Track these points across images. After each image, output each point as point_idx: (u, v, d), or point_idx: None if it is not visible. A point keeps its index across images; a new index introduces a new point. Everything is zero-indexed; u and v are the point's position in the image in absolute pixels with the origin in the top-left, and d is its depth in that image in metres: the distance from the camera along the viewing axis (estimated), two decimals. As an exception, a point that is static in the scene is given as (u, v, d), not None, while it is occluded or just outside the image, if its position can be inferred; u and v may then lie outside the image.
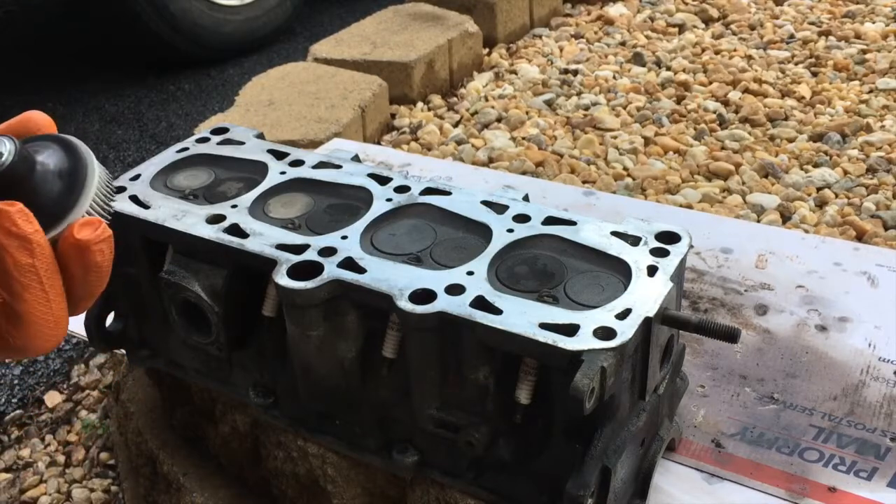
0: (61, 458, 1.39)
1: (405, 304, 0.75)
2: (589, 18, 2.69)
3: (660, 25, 2.57)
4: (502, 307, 0.74)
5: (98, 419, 1.43)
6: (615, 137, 1.93)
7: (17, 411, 1.49)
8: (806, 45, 2.36)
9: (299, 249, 0.83)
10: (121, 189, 0.95)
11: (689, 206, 1.63)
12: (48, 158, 0.50)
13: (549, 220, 0.86)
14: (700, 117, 2.00)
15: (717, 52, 2.35)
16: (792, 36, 2.42)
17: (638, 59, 2.34)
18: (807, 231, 1.54)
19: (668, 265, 0.79)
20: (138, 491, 1.19)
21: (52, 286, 0.45)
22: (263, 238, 0.85)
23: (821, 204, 1.66)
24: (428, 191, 0.92)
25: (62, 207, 0.49)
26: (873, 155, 1.80)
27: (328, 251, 0.83)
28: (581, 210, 1.35)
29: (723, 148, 1.87)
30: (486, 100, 2.19)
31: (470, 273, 0.79)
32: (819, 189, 1.70)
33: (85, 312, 0.99)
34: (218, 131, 1.08)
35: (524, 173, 1.77)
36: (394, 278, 0.78)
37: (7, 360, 0.46)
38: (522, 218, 0.87)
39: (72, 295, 0.48)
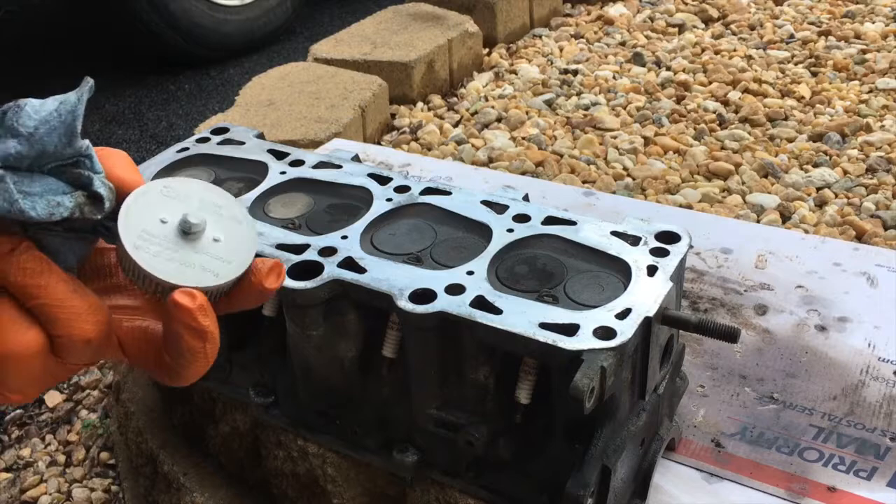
0: (61, 458, 1.39)
1: (405, 304, 0.75)
2: (589, 18, 2.69)
3: (660, 25, 2.57)
4: (502, 307, 0.74)
5: (98, 419, 1.43)
6: (615, 137, 1.94)
7: (18, 411, 1.49)
8: (806, 45, 2.36)
9: (299, 249, 0.84)
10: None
11: (689, 206, 1.63)
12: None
13: (549, 220, 0.87)
14: (700, 117, 2.00)
15: (716, 52, 2.35)
16: (792, 36, 2.42)
17: (638, 59, 2.34)
18: (806, 231, 1.54)
19: (667, 265, 0.79)
20: (138, 491, 1.19)
21: (213, 354, 0.47)
22: (264, 238, 0.86)
23: (820, 204, 1.66)
24: (428, 191, 0.92)
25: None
26: (873, 155, 1.80)
27: (328, 251, 0.83)
28: (581, 210, 1.35)
29: (723, 148, 1.87)
30: (486, 100, 2.19)
31: (470, 273, 0.79)
32: (819, 189, 1.70)
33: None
34: (218, 131, 1.08)
35: (524, 173, 1.77)
36: (394, 278, 0.78)
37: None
38: (522, 218, 0.87)
39: None
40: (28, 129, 0.43)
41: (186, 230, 0.47)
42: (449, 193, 0.92)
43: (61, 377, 0.48)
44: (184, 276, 0.46)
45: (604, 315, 0.73)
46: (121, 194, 0.47)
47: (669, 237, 0.83)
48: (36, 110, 0.43)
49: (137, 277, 0.46)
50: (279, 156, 1.01)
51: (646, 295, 0.75)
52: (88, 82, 0.46)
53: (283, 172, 0.97)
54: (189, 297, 0.45)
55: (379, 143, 2.00)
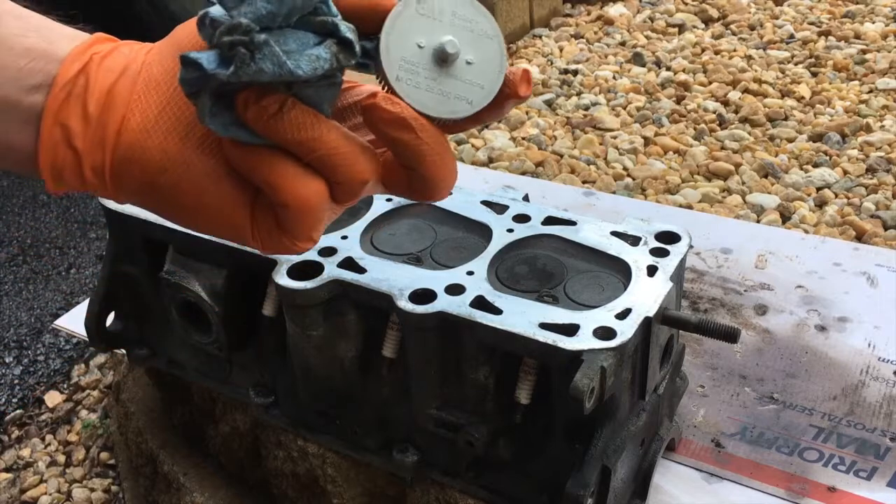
0: (61, 458, 1.39)
1: (405, 304, 0.75)
2: (589, 18, 2.69)
3: (660, 25, 2.57)
4: (502, 307, 0.74)
5: (98, 419, 1.43)
6: (615, 137, 1.94)
7: (18, 411, 1.49)
8: (806, 45, 2.36)
9: (299, 249, 0.83)
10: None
11: (689, 206, 1.63)
12: None
13: (549, 220, 0.87)
14: (700, 117, 2.00)
15: (716, 53, 2.35)
16: (792, 36, 2.42)
17: (638, 59, 2.34)
18: (806, 231, 1.54)
19: (667, 265, 0.79)
20: (138, 491, 1.19)
21: (436, 140, 0.47)
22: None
23: (820, 204, 1.66)
24: (428, 191, 0.92)
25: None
26: (873, 155, 1.80)
27: (328, 251, 0.83)
28: (581, 210, 1.35)
29: (722, 148, 1.87)
30: (486, 100, 2.19)
31: (470, 273, 0.79)
32: (819, 189, 1.70)
33: (85, 313, 1.00)
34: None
35: (524, 173, 1.77)
36: (394, 278, 0.78)
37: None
38: (522, 218, 0.87)
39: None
40: None
41: (443, 58, 0.46)
42: (449, 193, 0.92)
43: (333, 218, 0.49)
44: (443, 106, 0.46)
45: (604, 315, 0.73)
46: (373, 16, 0.46)
47: (669, 237, 0.83)
48: None
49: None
50: (279, 156, 1.01)
51: (646, 295, 0.75)
52: None
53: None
54: (370, 96, 0.45)
55: (379, 144, 2.00)
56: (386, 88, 0.46)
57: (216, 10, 0.42)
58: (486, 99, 0.48)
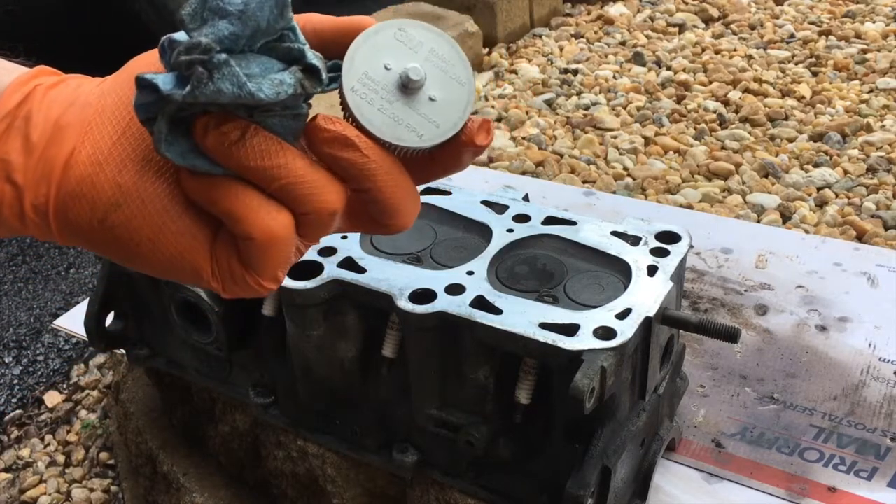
0: (61, 458, 1.39)
1: (405, 304, 0.75)
2: (589, 18, 2.69)
3: (660, 25, 2.57)
4: (502, 307, 0.74)
5: (98, 419, 1.43)
6: (615, 137, 1.93)
7: (17, 411, 1.49)
8: (806, 44, 2.36)
9: (299, 249, 0.83)
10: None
11: (689, 206, 1.63)
12: None
13: (549, 220, 0.86)
14: (700, 117, 2.00)
15: (717, 52, 2.35)
16: (792, 36, 2.42)
17: (638, 59, 2.34)
18: (807, 231, 1.54)
19: (668, 265, 0.79)
20: (138, 491, 1.19)
21: (384, 164, 0.44)
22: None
23: (821, 204, 1.66)
24: (428, 190, 0.92)
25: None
26: (873, 155, 1.80)
27: (328, 251, 0.83)
28: (581, 210, 1.35)
29: (723, 148, 1.87)
30: (486, 99, 2.19)
31: (470, 273, 0.79)
32: (819, 189, 1.70)
33: (85, 313, 1.00)
34: (218, 131, 1.07)
35: (524, 173, 1.77)
36: (394, 278, 0.78)
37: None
38: (522, 218, 0.87)
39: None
40: (237, 7, 0.40)
41: (405, 84, 0.45)
42: (449, 193, 0.92)
43: (299, 257, 0.47)
44: (390, 129, 0.45)
45: (604, 315, 0.73)
46: (343, 39, 0.45)
47: (670, 237, 0.83)
48: None
49: (348, 117, 0.45)
50: (279, 155, 1.01)
51: (646, 295, 0.75)
52: None
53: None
54: (324, 122, 0.43)
55: (379, 143, 2.00)
56: (342, 104, 0.45)
57: (179, 35, 0.41)
58: (438, 137, 0.46)
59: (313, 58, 0.43)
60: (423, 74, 0.45)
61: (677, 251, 0.81)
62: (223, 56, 0.40)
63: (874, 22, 2.48)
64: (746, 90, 2.10)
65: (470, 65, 0.48)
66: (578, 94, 2.17)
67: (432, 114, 0.46)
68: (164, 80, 0.41)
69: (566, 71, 2.30)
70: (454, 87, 0.47)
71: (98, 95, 0.45)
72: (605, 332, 0.71)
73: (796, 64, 2.26)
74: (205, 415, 1.07)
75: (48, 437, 1.43)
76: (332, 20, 0.47)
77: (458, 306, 0.74)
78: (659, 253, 0.81)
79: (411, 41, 0.46)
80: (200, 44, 0.40)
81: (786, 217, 1.62)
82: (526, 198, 0.93)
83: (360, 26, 0.46)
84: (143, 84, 0.41)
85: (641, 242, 0.82)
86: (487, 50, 2.48)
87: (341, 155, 0.43)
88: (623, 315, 0.73)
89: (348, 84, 0.44)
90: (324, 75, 0.43)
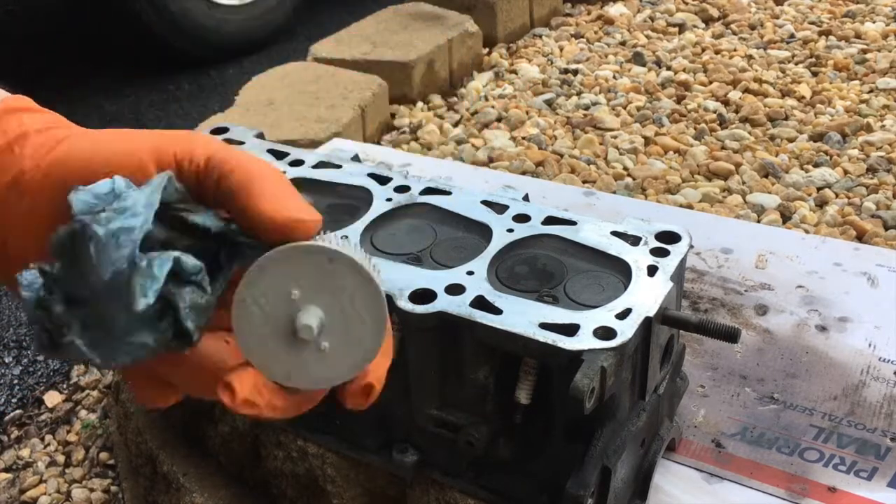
0: (61, 458, 1.39)
1: (405, 304, 0.75)
2: (589, 18, 2.69)
3: (660, 25, 2.57)
4: (502, 307, 0.74)
5: (98, 419, 1.43)
6: (615, 137, 1.93)
7: (17, 411, 1.49)
8: (806, 44, 2.36)
9: (299, 249, 0.83)
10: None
11: (689, 206, 1.63)
12: None
13: (549, 220, 0.86)
14: (700, 117, 2.00)
15: (717, 52, 2.35)
16: (792, 36, 2.42)
17: (638, 59, 2.34)
18: (807, 231, 1.54)
19: (668, 265, 0.79)
20: (138, 491, 1.19)
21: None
22: (263, 238, 0.85)
23: (821, 204, 1.66)
24: (428, 190, 0.92)
25: None
26: (873, 155, 1.80)
27: (328, 251, 0.83)
28: (581, 210, 1.35)
29: (723, 148, 1.87)
30: (486, 99, 2.19)
31: (470, 273, 0.79)
32: (819, 189, 1.70)
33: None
34: (217, 131, 1.08)
35: (524, 173, 1.76)
36: (393, 278, 0.78)
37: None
38: (522, 218, 0.87)
39: None
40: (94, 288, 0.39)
41: (295, 332, 0.42)
42: (449, 193, 0.92)
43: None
44: (268, 364, 0.43)
45: (604, 315, 0.73)
46: (275, 237, 0.42)
47: (670, 237, 0.83)
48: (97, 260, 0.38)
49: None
50: (279, 156, 1.01)
51: (646, 295, 0.75)
52: (162, 179, 0.41)
53: (282, 172, 0.97)
54: (229, 395, 0.44)
55: (379, 143, 2.00)
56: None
57: (29, 274, 0.40)
58: (305, 386, 0.44)
59: (187, 317, 0.41)
60: (314, 334, 0.42)
61: (677, 251, 0.81)
62: (66, 334, 0.39)
63: (874, 22, 2.48)
64: (746, 90, 2.10)
65: (388, 324, 0.45)
66: (578, 94, 2.17)
67: (312, 362, 0.43)
68: (31, 285, 0.39)
69: (566, 71, 2.30)
70: (352, 348, 0.44)
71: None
72: (605, 332, 0.71)
73: (796, 64, 2.26)
74: (205, 415, 1.07)
75: (48, 437, 1.43)
76: (275, 210, 0.43)
77: (458, 306, 0.74)
78: (659, 253, 0.81)
79: (334, 278, 0.42)
80: (52, 312, 0.39)
81: (786, 217, 1.61)
82: (526, 198, 0.93)
83: (299, 231, 0.43)
84: (21, 282, 0.40)
85: (641, 242, 0.82)
86: (487, 50, 2.48)
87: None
88: (623, 315, 0.73)
89: (241, 294, 0.42)
90: (194, 338, 0.42)
